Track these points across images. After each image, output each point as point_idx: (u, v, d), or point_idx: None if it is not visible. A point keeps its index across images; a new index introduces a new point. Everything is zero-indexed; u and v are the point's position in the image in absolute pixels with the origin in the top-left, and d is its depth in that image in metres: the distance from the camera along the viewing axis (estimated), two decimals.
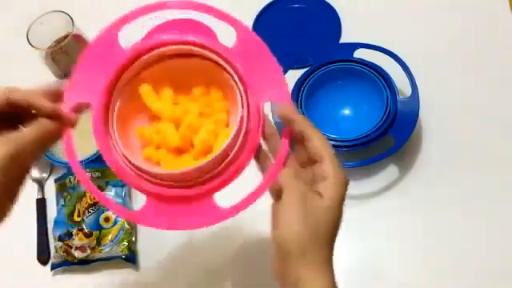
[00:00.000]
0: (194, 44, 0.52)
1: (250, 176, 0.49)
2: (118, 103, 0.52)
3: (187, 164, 0.50)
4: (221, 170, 0.49)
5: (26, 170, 0.51)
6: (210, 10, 0.53)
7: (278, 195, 0.48)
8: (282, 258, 0.47)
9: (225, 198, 0.50)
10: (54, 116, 0.50)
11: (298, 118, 0.49)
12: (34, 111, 0.50)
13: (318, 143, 0.48)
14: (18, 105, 0.50)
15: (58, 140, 0.51)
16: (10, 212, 0.51)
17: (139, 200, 0.74)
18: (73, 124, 0.51)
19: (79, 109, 0.51)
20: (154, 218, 0.50)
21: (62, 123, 0.50)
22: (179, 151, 0.52)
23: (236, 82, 0.50)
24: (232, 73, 0.50)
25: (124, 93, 0.52)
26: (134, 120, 0.54)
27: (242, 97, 0.50)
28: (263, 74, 0.50)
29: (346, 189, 0.48)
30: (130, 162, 0.50)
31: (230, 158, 0.49)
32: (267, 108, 0.51)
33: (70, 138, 0.51)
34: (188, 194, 0.49)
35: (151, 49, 0.52)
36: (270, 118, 0.52)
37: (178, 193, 0.49)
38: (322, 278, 0.46)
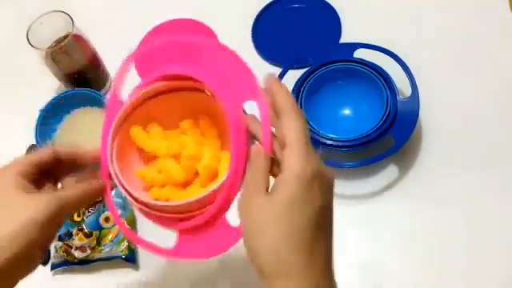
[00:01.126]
0: (171, 78, 0.52)
1: None
2: (114, 148, 0.52)
3: (196, 193, 0.49)
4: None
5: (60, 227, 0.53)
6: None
7: None
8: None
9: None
10: (97, 160, 0.52)
11: (280, 92, 0.44)
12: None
13: (287, 125, 0.43)
14: (64, 156, 0.52)
15: (96, 199, 0.53)
16: (38, 264, 0.53)
17: None
18: (112, 186, 0.53)
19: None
20: (186, 251, 0.50)
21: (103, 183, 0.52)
22: (185, 184, 0.53)
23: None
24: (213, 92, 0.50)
25: (117, 138, 0.53)
26: (131, 161, 0.54)
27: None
28: (240, 85, 0.48)
29: (309, 178, 0.41)
30: (148, 205, 0.50)
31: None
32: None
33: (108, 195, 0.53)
34: (203, 220, 0.49)
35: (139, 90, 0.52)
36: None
37: (197, 222, 0.49)
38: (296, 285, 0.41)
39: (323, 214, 0.43)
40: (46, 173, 0.52)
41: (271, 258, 0.42)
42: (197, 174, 0.52)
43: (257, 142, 0.47)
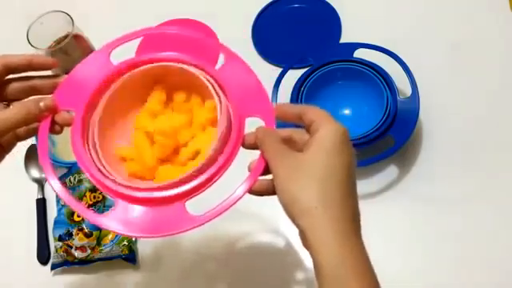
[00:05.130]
0: (176, 61, 0.52)
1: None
2: (99, 112, 0.52)
3: (171, 173, 0.50)
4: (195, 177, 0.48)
5: (4, 150, 0.53)
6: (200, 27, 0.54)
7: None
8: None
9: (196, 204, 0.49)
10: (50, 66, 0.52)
11: (289, 106, 0.50)
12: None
13: (311, 112, 0.47)
14: (17, 67, 0.51)
15: (35, 123, 0.51)
16: None
17: None
18: (56, 110, 0.51)
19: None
20: (122, 222, 0.48)
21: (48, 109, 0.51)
22: (162, 161, 0.53)
23: (217, 93, 0.50)
24: (212, 82, 0.51)
25: (106, 101, 0.53)
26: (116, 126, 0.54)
27: (222, 106, 0.49)
28: (247, 93, 0.50)
29: (341, 137, 0.45)
30: (112, 178, 0.49)
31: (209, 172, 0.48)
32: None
33: (46, 126, 0.51)
34: (161, 196, 0.48)
35: (136, 65, 0.53)
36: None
37: (150, 195, 0.48)
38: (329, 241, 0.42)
39: (354, 167, 0.45)
40: None
41: (313, 196, 0.43)
42: (176, 151, 0.53)
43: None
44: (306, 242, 0.44)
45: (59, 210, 0.81)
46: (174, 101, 0.55)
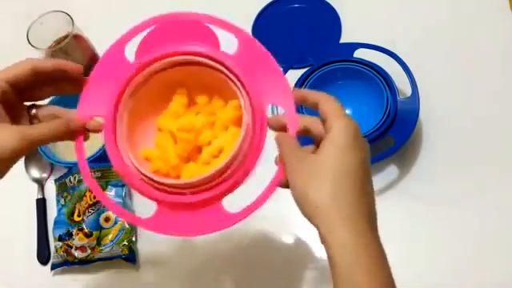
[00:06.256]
0: (196, 54, 0.52)
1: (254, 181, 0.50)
2: (125, 114, 0.52)
3: (195, 171, 0.51)
4: (228, 176, 0.49)
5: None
6: (212, 20, 0.54)
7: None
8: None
9: (229, 202, 0.50)
10: (81, 79, 0.52)
11: (307, 93, 0.51)
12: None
13: (324, 105, 0.48)
14: (45, 71, 0.50)
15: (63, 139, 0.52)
16: None
17: (139, 201, 0.74)
18: (85, 127, 0.52)
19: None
20: (165, 224, 0.50)
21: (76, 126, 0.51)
22: (186, 159, 0.53)
23: (239, 89, 0.51)
24: (234, 80, 0.51)
25: (131, 103, 0.53)
26: (142, 125, 0.55)
27: (245, 102, 0.50)
28: (266, 79, 0.51)
29: (353, 132, 0.46)
30: (142, 173, 0.50)
31: (237, 163, 0.49)
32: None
33: (81, 141, 0.52)
34: (196, 199, 0.50)
35: (156, 60, 0.53)
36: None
37: (187, 199, 0.50)
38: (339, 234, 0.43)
39: (368, 162, 0.47)
40: (23, 95, 0.51)
41: (327, 196, 0.44)
42: (199, 150, 0.53)
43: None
44: (322, 240, 0.44)
45: (59, 210, 0.81)
46: (196, 103, 0.55)
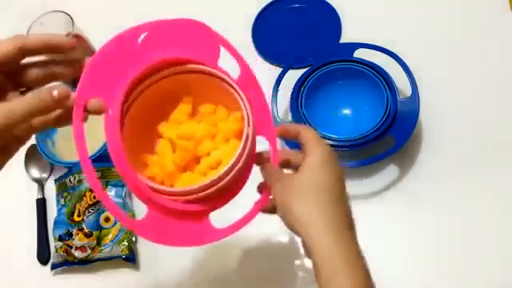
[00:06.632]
0: (201, 63, 0.52)
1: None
2: (126, 118, 0.52)
3: (190, 181, 0.52)
4: (221, 190, 0.50)
5: (19, 142, 0.50)
6: (223, 42, 0.54)
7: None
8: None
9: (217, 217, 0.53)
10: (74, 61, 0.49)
11: (289, 126, 0.57)
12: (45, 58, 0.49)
13: (304, 134, 0.54)
14: (32, 48, 0.48)
15: (52, 111, 0.48)
16: None
17: (139, 201, 0.74)
18: (85, 117, 0.48)
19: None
20: (153, 230, 0.51)
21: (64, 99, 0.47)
22: (183, 169, 0.54)
23: (243, 101, 0.52)
24: (239, 91, 0.52)
25: (132, 107, 0.52)
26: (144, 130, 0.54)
27: (248, 116, 0.51)
28: (257, 109, 0.53)
29: (327, 153, 0.52)
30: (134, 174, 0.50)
31: (232, 176, 0.50)
32: None
33: (80, 126, 0.47)
34: (189, 209, 0.50)
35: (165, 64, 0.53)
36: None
37: (182, 207, 0.50)
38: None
39: (343, 177, 0.52)
40: (13, 77, 0.48)
41: (307, 206, 0.50)
42: (197, 160, 0.54)
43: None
44: (307, 250, 0.49)
45: (59, 210, 0.81)
46: (199, 112, 0.55)
